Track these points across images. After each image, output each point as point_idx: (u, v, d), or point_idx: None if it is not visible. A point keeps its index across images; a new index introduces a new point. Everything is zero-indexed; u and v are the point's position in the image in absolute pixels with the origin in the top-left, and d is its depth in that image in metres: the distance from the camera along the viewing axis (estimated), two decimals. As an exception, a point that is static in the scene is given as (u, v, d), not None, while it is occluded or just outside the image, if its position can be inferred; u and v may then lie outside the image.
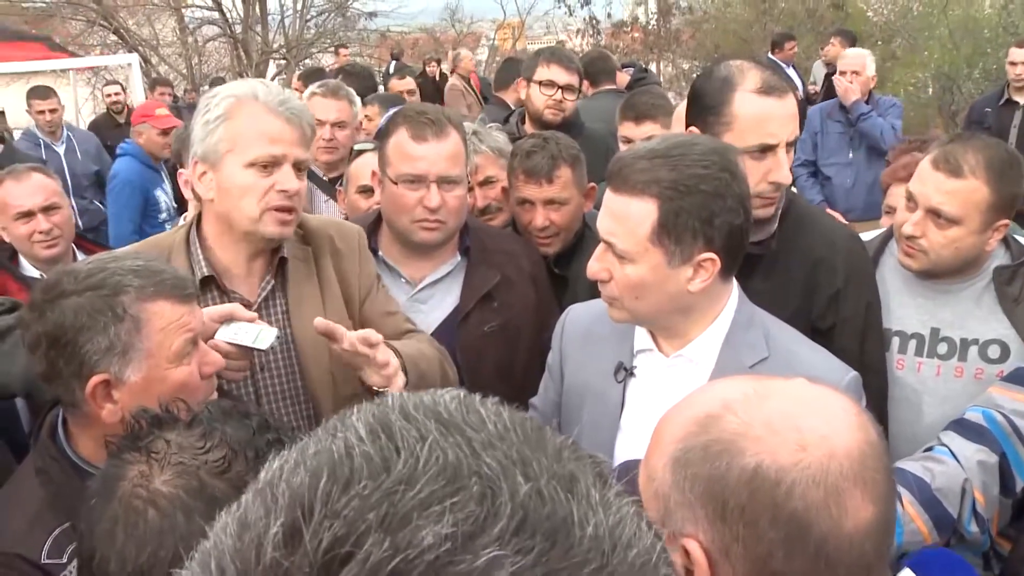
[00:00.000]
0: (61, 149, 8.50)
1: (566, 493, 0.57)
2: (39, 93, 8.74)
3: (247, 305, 2.42)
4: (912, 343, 2.61)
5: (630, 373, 2.10)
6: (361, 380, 2.33)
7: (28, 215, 3.78)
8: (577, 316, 2.34)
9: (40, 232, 3.78)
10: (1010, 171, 2.42)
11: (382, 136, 2.87)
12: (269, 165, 2.29)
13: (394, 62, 15.50)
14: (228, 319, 2.17)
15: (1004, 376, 2.23)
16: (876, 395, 2.45)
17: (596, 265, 2.00)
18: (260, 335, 2.16)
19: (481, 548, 0.53)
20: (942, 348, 2.58)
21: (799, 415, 1.09)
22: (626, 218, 1.92)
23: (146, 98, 11.03)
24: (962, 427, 2.12)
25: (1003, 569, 2.10)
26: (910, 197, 2.52)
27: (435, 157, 2.71)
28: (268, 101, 2.29)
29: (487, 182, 3.31)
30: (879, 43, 18.16)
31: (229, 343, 2.12)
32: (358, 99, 4.76)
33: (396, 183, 2.75)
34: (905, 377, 2.60)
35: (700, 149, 1.94)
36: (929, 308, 2.61)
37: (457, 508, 0.54)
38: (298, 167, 2.34)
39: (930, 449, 2.11)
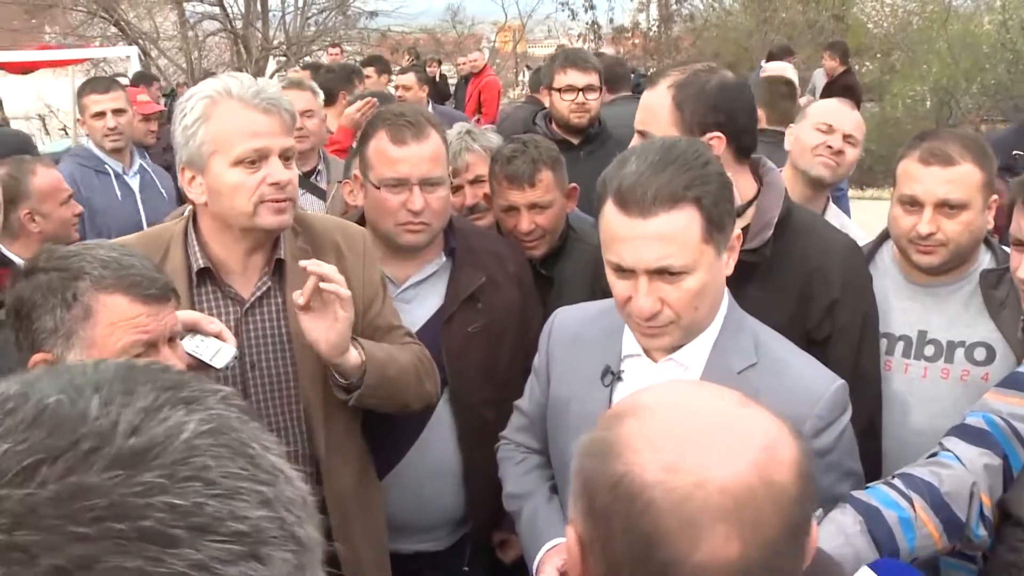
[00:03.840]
0: (136, 183, 5.29)
1: (101, 401, 0.63)
2: (99, 85, 5.49)
3: (240, 302, 2.43)
4: (900, 345, 2.64)
5: (617, 377, 2.07)
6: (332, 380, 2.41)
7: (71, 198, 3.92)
8: (565, 319, 2.28)
9: (76, 214, 3.95)
10: (986, 151, 2.58)
11: (362, 140, 2.86)
12: (256, 160, 2.27)
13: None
14: (193, 328, 2.13)
15: (999, 383, 2.23)
16: (869, 405, 2.44)
17: (648, 301, 1.88)
18: (219, 352, 2.13)
19: None
20: (929, 350, 2.61)
21: (692, 438, 1.05)
22: (673, 234, 1.84)
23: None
24: (964, 432, 2.11)
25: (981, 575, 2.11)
26: (911, 201, 2.55)
27: (416, 160, 2.70)
28: (243, 95, 2.27)
29: (477, 180, 3.30)
30: (878, 55, 18.23)
31: (189, 354, 2.09)
32: (320, 92, 4.91)
33: (378, 187, 2.74)
34: (893, 378, 2.61)
35: (682, 145, 1.93)
36: (918, 311, 2.64)
37: None
38: (285, 156, 2.32)
39: (935, 455, 2.10)
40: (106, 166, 5.18)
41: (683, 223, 1.84)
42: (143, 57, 16.16)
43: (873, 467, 2.30)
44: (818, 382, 1.99)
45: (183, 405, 0.65)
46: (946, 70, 15.35)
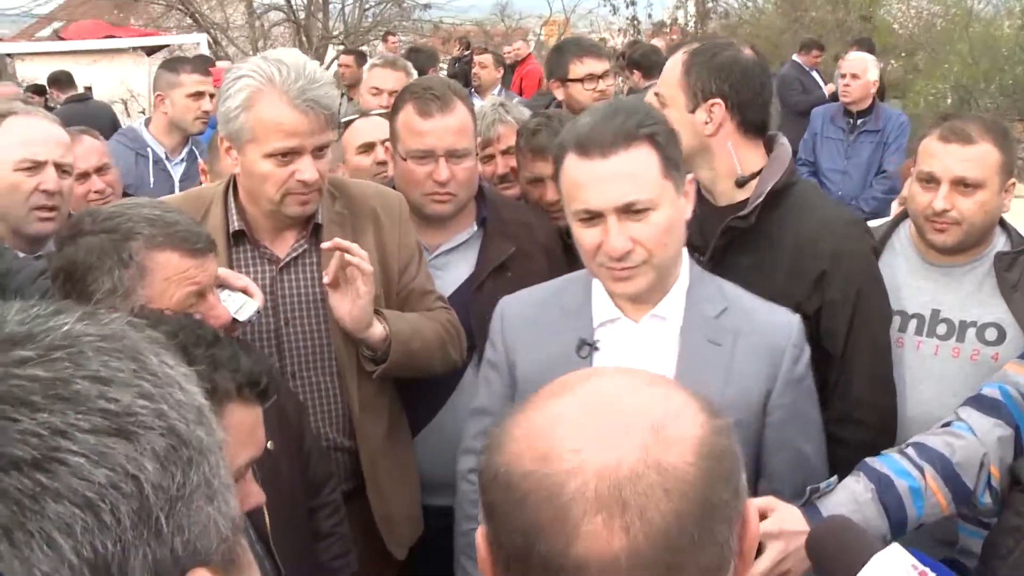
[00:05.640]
0: (178, 170, 4.79)
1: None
2: (199, 66, 4.98)
3: (275, 261, 2.40)
4: (913, 323, 2.53)
5: (594, 347, 1.98)
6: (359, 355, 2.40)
7: (84, 176, 3.59)
8: (515, 306, 2.17)
9: (96, 192, 3.64)
10: (1007, 134, 2.49)
11: (392, 112, 2.80)
12: (288, 154, 2.23)
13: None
14: (221, 284, 2.10)
15: (1021, 354, 2.17)
16: (867, 379, 2.31)
17: (620, 240, 1.83)
18: (244, 306, 2.11)
19: None
20: (941, 329, 2.50)
21: (572, 423, 0.89)
22: (635, 171, 1.82)
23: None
24: (979, 403, 2.05)
25: (986, 540, 2.04)
26: (929, 178, 2.45)
27: (442, 132, 2.64)
28: (286, 89, 2.20)
29: (509, 151, 3.24)
30: (903, 55, 17.86)
31: None
32: (415, 71, 4.81)
33: (405, 159, 2.69)
34: (905, 355, 2.51)
35: (628, 100, 1.95)
36: (932, 291, 2.53)
37: None
38: (319, 151, 2.27)
39: (948, 424, 2.04)
40: (148, 149, 4.75)
41: (642, 159, 1.83)
42: (212, 45, 16.27)
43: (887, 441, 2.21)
44: (784, 316, 2.02)
45: (80, 314, 0.63)
46: (967, 70, 15.05)
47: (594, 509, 0.83)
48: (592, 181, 1.84)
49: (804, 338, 2.01)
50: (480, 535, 0.94)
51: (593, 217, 1.86)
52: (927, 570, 1.34)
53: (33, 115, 2.74)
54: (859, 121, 6.38)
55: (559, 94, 4.29)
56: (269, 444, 2.07)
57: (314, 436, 2.36)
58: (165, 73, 4.86)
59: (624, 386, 0.93)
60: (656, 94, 2.40)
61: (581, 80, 4.17)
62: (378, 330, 2.34)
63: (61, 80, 9.64)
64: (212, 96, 4.75)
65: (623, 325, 1.99)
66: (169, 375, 0.64)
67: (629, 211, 1.83)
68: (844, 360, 2.28)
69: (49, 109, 9.60)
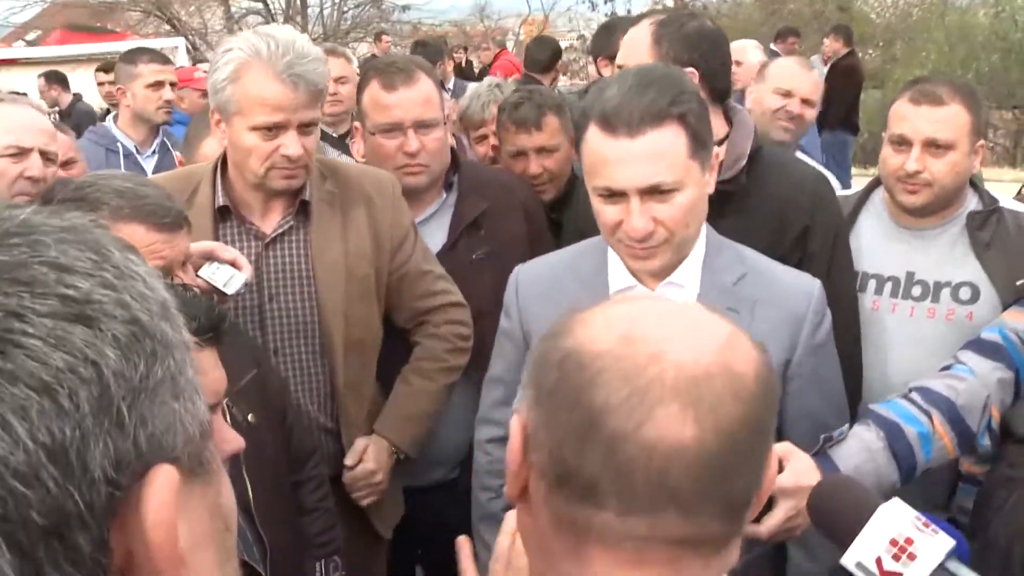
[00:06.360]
0: (150, 163, 4.71)
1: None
2: (157, 56, 4.91)
3: (261, 237, 2.40)
4: (888, 285, 2.55)
5: None
6: None
7: None
8: (531, 274, 2.12)
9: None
10: (976, 96, 2.50)
11: (359, 92, 2.83)
12: (273, 128, 2.24)
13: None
14: (209, 256, 2.11)
15: (1016, 302, 2.20)
16: (843, 329, 2.31)
17: (642, 221, 1.77)
18: (232, 279, 2.11)
19: None
20: (916, 290, 2.52)
21: (651, 318, 0.90)
22: (663, 152, 1.75)
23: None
24: (979, 346, 2.07)
25: (978, 493, 2.06)
26: (900, 140, 2.47)
27: (408, 103, 2.65)
28: (273, 63, 2.20)
29: None
30: (881, 44, 18.02)
31: (205, 279, 2.08)
32: (354, 58, 4.92)
33: (374, 134, 2.70)
34: (880, 317, 2.53)
35: (659, 69, 1.88)
36: (906, 253, 2.55)
37: None
38: (305, 127, 2.28)
39: (948, 367, 2.05)
40: (118, 144, 4.68)
41: (670, 140, 1.76)
42: (191, 50, 16.26)
43: (855, 380, 2.27)
44: (804, 283, 1.98)
45: (37, 207, 0.60)
46: (943, 58, 15.20)
47: (671, 396, 0.83)
48: (616, 160, 1.77)
49: (825, 304, 1.97)
50: (517, 424, 0.93)
51: (614, 195, 1.81)
52: (929, 522, 1.35)
53: (19, 103, 2.74)
54: None
55: (607, 72, 4.16)
56: (251, 417, 2.08)
57: (297, 411, 2.36)
58: (124, 65, 4.83)
59: (691, 306, 0.96)
60: (619, 67, 2.37)
61: None
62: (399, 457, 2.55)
63: (64, 80, 9.57)
64: (174, 85, 4.81)
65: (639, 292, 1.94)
66: (133, 270, 0.61)
67: (653, 192, 1.78)
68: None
69: (54, 106, 9.60)
